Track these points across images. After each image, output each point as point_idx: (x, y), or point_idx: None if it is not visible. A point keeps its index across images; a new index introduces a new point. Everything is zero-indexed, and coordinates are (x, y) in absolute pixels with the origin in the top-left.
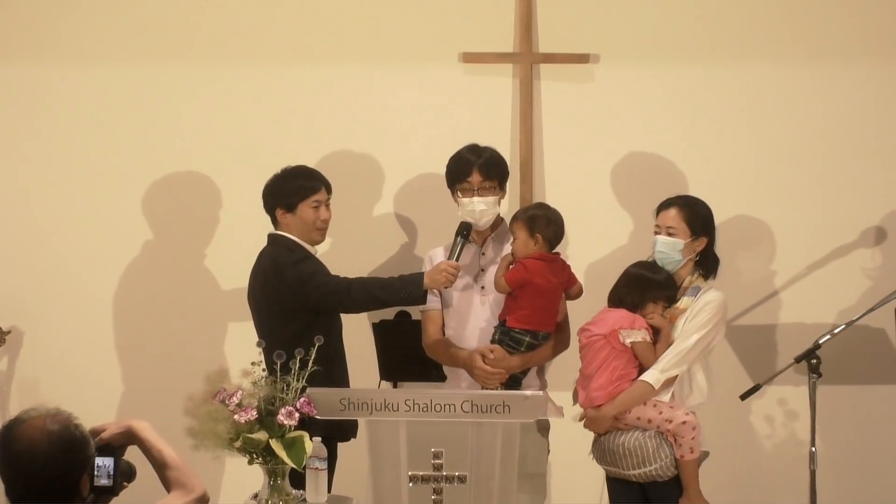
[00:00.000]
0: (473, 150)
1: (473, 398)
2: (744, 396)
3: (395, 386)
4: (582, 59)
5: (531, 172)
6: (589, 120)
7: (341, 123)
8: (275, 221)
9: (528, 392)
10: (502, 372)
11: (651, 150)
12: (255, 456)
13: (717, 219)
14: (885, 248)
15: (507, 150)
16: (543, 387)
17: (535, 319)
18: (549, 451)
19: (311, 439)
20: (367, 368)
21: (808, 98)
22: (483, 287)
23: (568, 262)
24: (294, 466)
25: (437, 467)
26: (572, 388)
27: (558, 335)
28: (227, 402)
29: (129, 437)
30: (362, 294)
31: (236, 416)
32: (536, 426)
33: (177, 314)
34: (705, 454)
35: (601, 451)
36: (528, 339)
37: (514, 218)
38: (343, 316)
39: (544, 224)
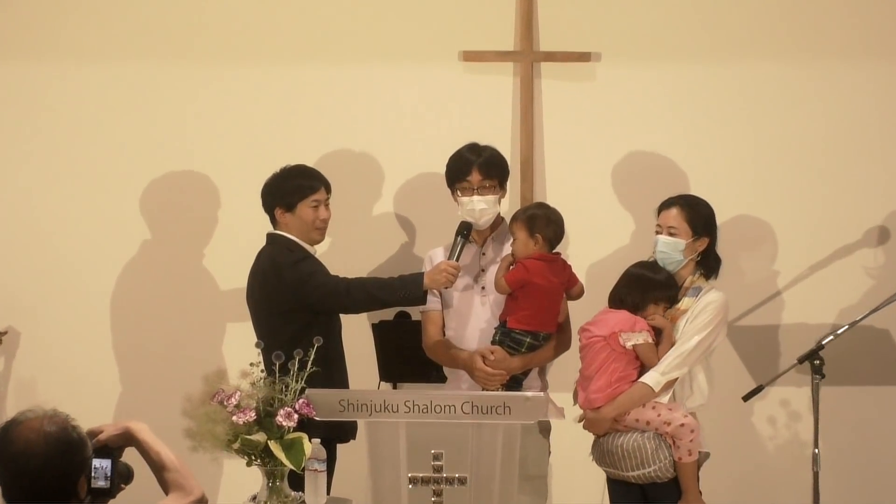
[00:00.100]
0: (473, 149)
1: (474, 399)
2: (746, 397)
3: (394, 387)
4: (583, 57)
5: (532, 172)
6: (590, 119)
7: (341, 122)
8: (274, 221)
9: (528, 393)
10: (503, 373)
11: (652, 149)
12: (253, 457)
13: (719, 218)
14: (889, 248)
15: (507, 149)
16: (544, 388)
17: (535, 320)
18: (549, 452)
19: (310, 441)
20: (366, 369)
21: (811, 97)
22: (483, 287)
23: (569, 262)
24: (293, 468)
25: (437, 469)
26: (572, 389)
27: (559, 336)
28: (225, 403)
29: (127, 438)
30: (362, 294)
31: (235, 418)
32: (538, 427)
33: (175, 314)
34: (706, 455)
35: (600, 453)
36: (528, 339)
37: (514, 218)
38: (342, 316)
39: (544, 224)
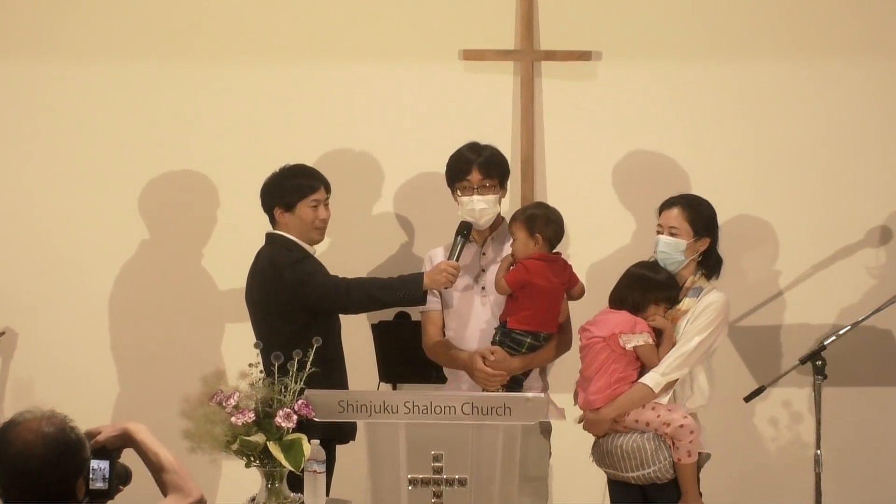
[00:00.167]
0: (473, 148)
1: (474, 400)
2: (748, 398)
3: (394, 388)
4: (584, 56)
5: (532, 171)
6: (591, 118)
7: (340, 122)
8: (273, 221)
9: (529, 394)
10: (503, 374)
11: (653, 148)
12: (252, 459)
13: (721, 218)
14: (890, 248)
15: (507, 148)
16: (545, 388)
17: (536, 320)
18: (550, 453)
19: (309, 442)
20: (366, 370)
21: (813, 96)
22: (483, 288)
23: (569, 262)
24: (292, 469)
25: (437, 470)
26: (573, 389)
27: (560, 336)
28: (224, 404)
29: (125, 439)
30: (361, 294)
31: (233, 419)
32: (539, 428)
33: (173, 315)
34: (707, 456)
35: (600, 454)
36: (529, 340)
37: (513, 219)
38: (342, 317)
39: (543, 223)
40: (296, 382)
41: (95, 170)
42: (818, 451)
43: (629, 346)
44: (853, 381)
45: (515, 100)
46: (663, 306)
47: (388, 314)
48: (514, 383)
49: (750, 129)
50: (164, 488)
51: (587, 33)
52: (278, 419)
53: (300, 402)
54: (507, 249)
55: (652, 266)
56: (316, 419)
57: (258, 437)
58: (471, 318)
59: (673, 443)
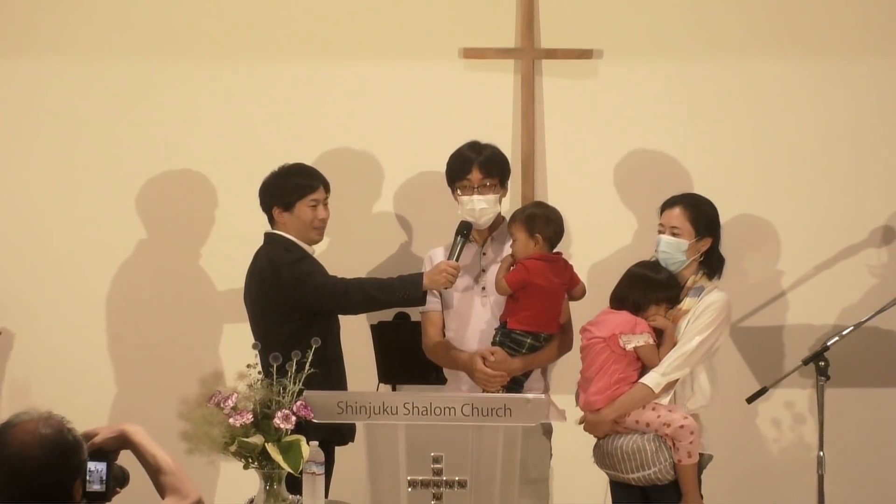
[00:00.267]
0: (474, 147)
1: (474, 401)
2: (750, 399)
3: (393, 389)
4: (585, 54)
5: (533, 170)
6: (592, 117)
7: (339, 120)
8: (271, 220)
9: (529, 395)
10: (503, 374)
11: (655, 147)
12: (250, 460)
13: (723, 217)
14: (894, 248)
15: (508, 147)
16: (546, 389)
17: (536, 321)
18: (551, 455)
19: (307, 443)
20: (365, 371)
21: (815, 95)
22: (484, 288)
23: (570, 262)
24: (290, 471)
25: (437, 472)
26: (575, 390)
27: (561, 337)
28: (222, 405)
29: (123, 441)
30: (360, 295)
31: (231, 420)
32: (541, 429)
33: (171, 315)
34: (709, 458)
35: (601, 455)
36: (529, 340)
37: (512, 219)
38: (341, 317)
39: (543, 223)
40: (294, 383)
41: (93, 169)
42: (821, 453)
43: (629, 347)
44: (856, 382)
45: (516, 98)
46: (664, 306)
47: (387, 314)
48: (515, 384)
49: (752, 128)
50: (162, 490)
51: (588, 31)
52: (277, 420)
53: (299, 403)
54: (508, 249)
55: (653, 266)
56: (314, 420)
57: (256, 439)
58: (471, 318)
59: (673, 444)
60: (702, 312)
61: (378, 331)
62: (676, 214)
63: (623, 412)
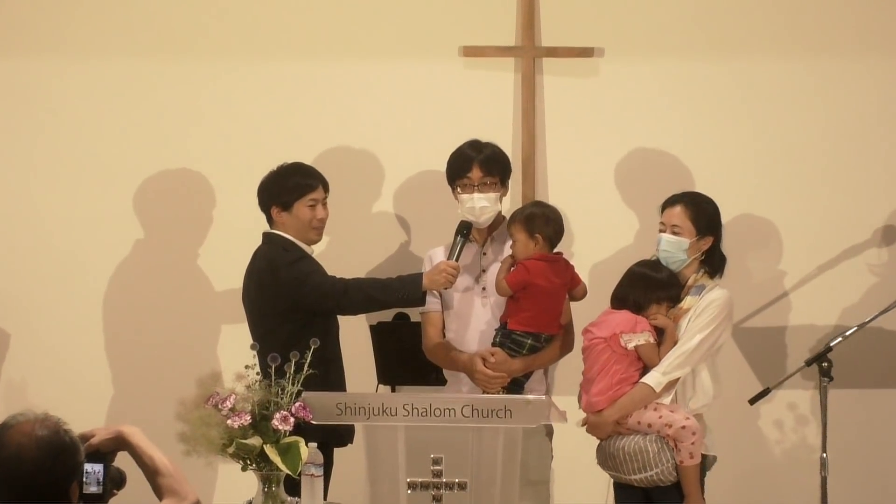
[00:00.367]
0: (474, 145)
1: (474, 402)
2: (753, 401)
3: (393, 390)
4: (586, 53)
5: (533, 169)
6: (593, 116)
7: (339, 119)
8: (270, 220)
9: (530, 396)
10: (504, 375)
11: (656, 146)
12: (248, 462)
13: (724, 216)
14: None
15: (508, 146)
16: (548, 390)
17: (537, 322)
18: (552, 456)
19: (306, 445)
20: (364, 372)
21: (818, 94)
22: (484, 288)
23: (571, 262)
24: (289, 473)
25: (437, 474)
26: (577, 391)
27: (562, 338)
28: (220, 406)
29: (120, 442)
30: (359, 295)
31: (229, 421)
32: (542, 431)
33: (169, 315)
34: (713, 459)
35: (603, 456)
36: (529, 341)
37: (511, 219)
38: (340, 318)
39: (543, 223)
40: (293, 384)
41: (90, 168)
42: (824, 455)
43: (630, 346)
44: (860, 383)
45: (516, 97)
46: (665, 305)
47: (387, 315)
48: (515, 385)
49: (753, 127)
50: (159, 492)
51: (589, 29)
52: (275, 422)
53: (297, 404)
54: (508, 249)
55: (653, 265)
56: (313, 422)
57: (255, 440)
58: (471, 319)
59: (675, 444)
60: (703, 310)
61: (377, 331)
62: (677, 213)
63: (625, 413)
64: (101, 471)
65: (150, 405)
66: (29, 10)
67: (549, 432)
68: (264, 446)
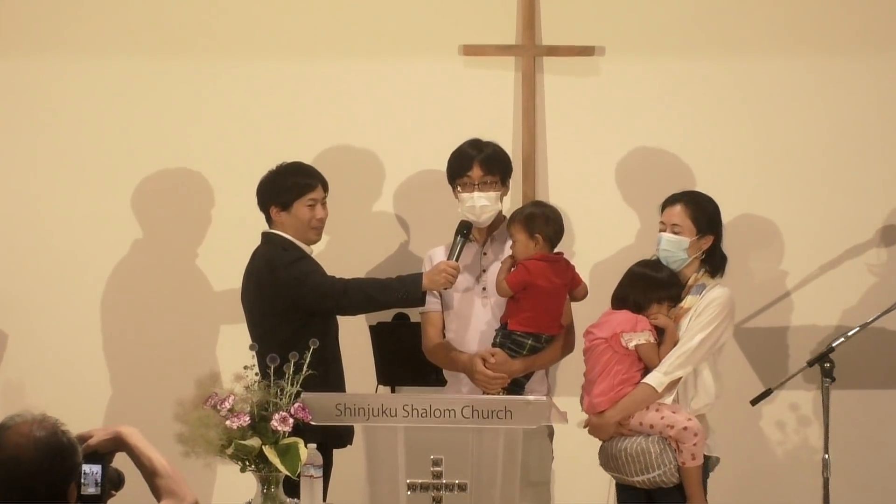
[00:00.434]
0: (475, 144)
1: (474, 403)
2: (755, 401)
3: (392, 390)
4: (586, 51)
5: (534, 169)
6: (594, 115)
7: (338, 118)
8: (269, 220)
9: (530, 397)
10: (504, 376)
11: (657, 145)
12: (247, 463)
13: (725, 216)
14: None
15: (509, 145)
16: (549, 391)
17: (537, 322)
18: (552, 457)
19: (305, 446)
20: (363, 372)
21: (819, 93)
22: (484, 288)
23: (572, 263)
24: (288, 474)
25: (437, 475)
26: (579, 392)
27: (563, 338)
28: (218, 407)
29: (118, 443)
30: (359, 295)
31: (228, 422)
32: (544, 431)
33: (167, 316)
34: (716, 461)
35: (606, 457)
36: (530, 342)
37: (511, 219)
38: (339, 318)
39: (543, 222)
40: (292, 385)
41: (88, 168)
42: (826, 456)
43: (631, 345)
44: (862, 383)
45: (517, 96)
46: (666, 305)
47: (386, 315)
48: (515, 386)
49: (754, 126)
50: (158, 493)
51: (590, 28)
52: (274, 423)
53: (296, 405)
54: (509, 249)
55: (654, 264)
56: (313, 423)
57: (253, 441)
58: (471, 319)
59: (677, 445)
60: (703, 309)
61: (377, 332)
62: (677, 212)
63: (627, 413)
64: (100, 472)
65: (149, 406)
66: (29, 10)
67: (550, 433)
68: (263, 447)
